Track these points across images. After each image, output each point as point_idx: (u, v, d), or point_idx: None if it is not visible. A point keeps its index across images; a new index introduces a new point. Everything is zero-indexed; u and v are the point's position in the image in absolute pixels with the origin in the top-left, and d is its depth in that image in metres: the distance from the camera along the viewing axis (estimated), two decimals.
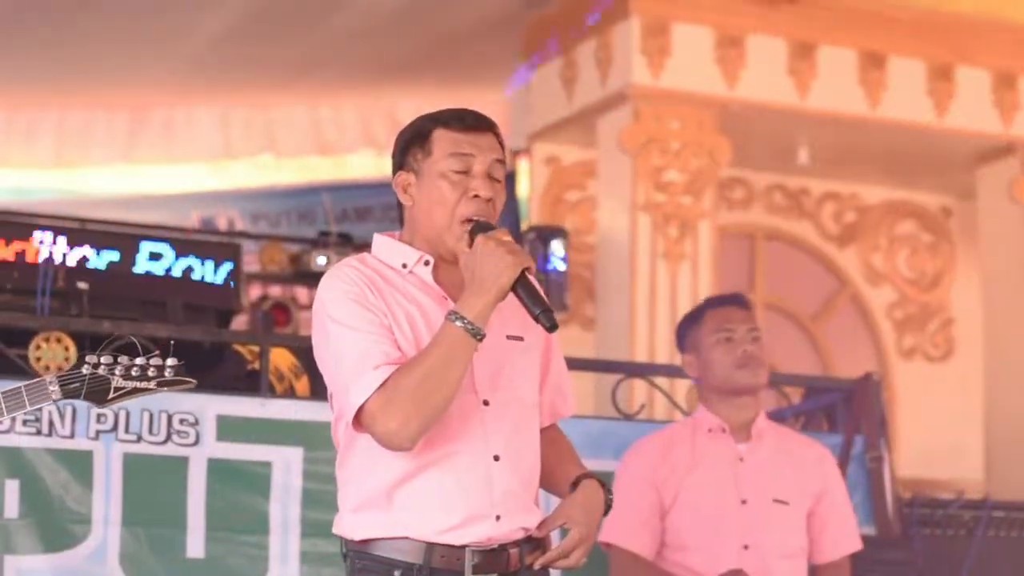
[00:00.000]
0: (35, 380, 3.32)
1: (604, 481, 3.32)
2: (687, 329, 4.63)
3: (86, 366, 3.33)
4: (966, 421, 11.26)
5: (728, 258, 10.50)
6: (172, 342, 3.50)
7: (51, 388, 3.31)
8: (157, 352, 3.39)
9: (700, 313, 4.62)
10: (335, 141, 13.35)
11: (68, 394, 3.32)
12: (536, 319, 3.13)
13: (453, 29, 10.69)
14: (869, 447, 5.32)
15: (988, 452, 10.62)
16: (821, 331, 11.42)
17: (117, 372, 3.33)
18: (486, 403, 3.20)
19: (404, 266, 3.27)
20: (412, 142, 3.30)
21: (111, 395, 3.34)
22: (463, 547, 3.14)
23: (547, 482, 3.35)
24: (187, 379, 3.40)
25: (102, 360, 3.34)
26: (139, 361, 3.37)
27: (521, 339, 3.29)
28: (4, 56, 11.39)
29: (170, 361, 3.39)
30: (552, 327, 3.13)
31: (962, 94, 10.20)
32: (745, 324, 4.53)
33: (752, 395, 4.52)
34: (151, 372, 3.36)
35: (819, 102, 9.89)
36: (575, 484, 3.29)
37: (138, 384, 3.35)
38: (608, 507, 3.30)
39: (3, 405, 3.31)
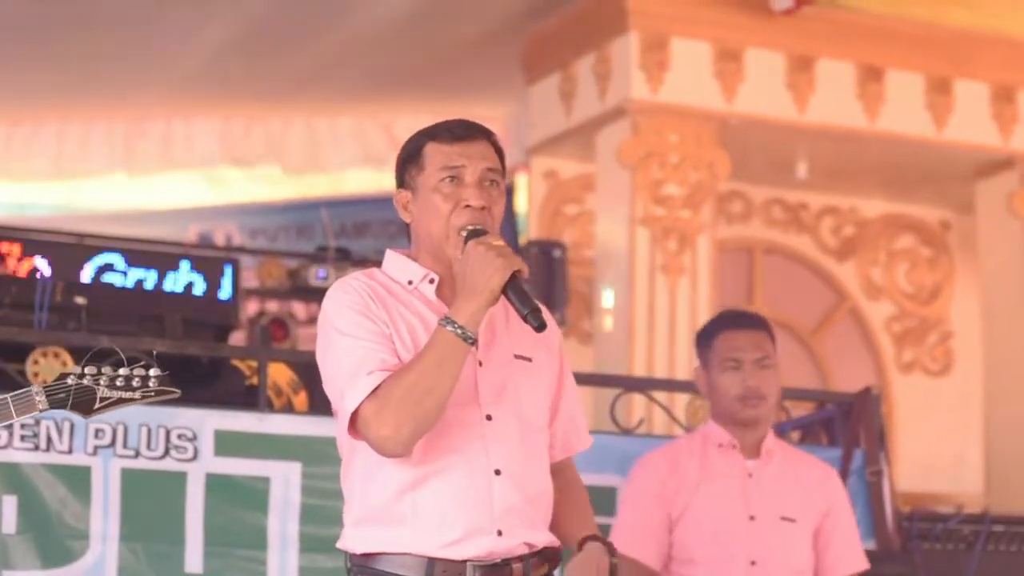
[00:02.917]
0: (22, 391, 3.32)
1: (612, 545, 3.31)
2: (701, 345, 4.60)
3: (72, 376, 3.34)
4: (965, 435, 11.26)
5: (727, 272, 10.50)
6: (156, 355, 3.49)
7: (38, 399, 3.31)
8: (143, 363, 3.39)
9: (712, 334, 4.56)
10: (333, 156, 13.35)
11: (54, 404, 3.32)
12: (524, 319, 3.12)
13: (452, 44, 10.69)
14: (869, 461, 5.31)
15: (988, 466, 10.62)
16: (820, 345, 11.41)
17: (102, 383, 3.34)
18: (489, 417, 3.19)
19: (410, 283, 3.28)
20: (408, 159, 3.31)
21: (97, 405, 3.35)
22: (464, 562, 3.13)
23: (557, 535, 3.33)
24: (171, 389, 3.41)
25: (87, 371, 3.35)
26: (123, 372, 3.37)
27: (529, 360, 3.29)
28: (4, 71, 11.39)
29: (153, 372, 3.39)
30: (540, 327, 3.12)
31: (961, 107, 10.20)
32: (754, 351, 4.48)
33: (755, 424, 4.52)
34: (135, 383, 3.37)
35: (818, 116, 9.90)
36: (581, 545, 3.29)
37: (123, 394, 3.36)
38: (613, 569, 3.29)
39: None
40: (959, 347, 11.71)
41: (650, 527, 4.45)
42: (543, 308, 3.16)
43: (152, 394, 3.39)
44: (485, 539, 3.14)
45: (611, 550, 3.29)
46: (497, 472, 3.17)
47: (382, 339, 3.16)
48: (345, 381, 3.12)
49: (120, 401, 3.36)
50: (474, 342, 3.09)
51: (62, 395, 3.32)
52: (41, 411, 3.33)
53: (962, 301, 11.70)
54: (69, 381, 3.32)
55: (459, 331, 3.06)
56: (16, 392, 3.32)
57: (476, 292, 3.08)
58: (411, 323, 3.21)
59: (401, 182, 3.33)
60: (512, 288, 3.11)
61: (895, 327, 11.63)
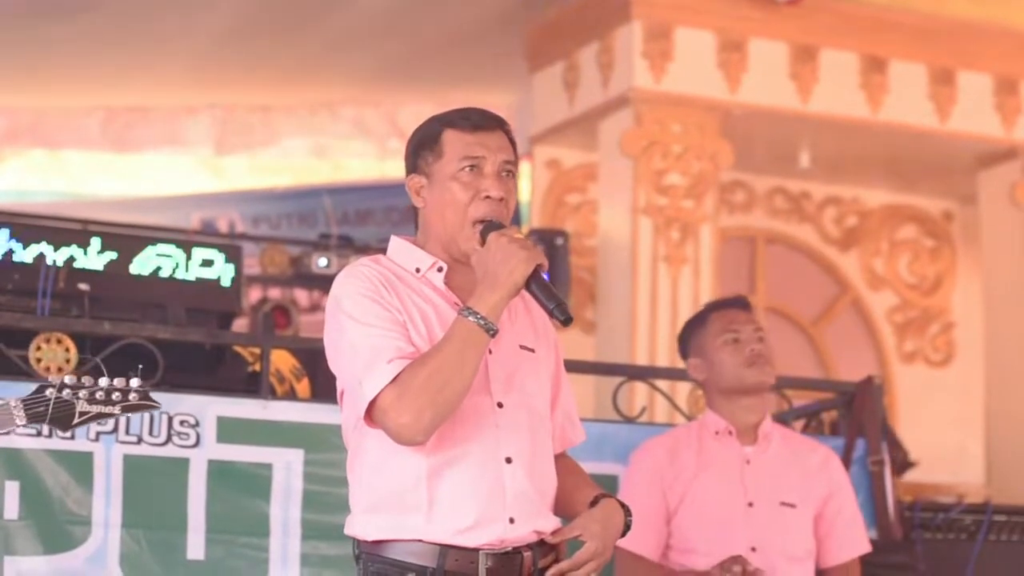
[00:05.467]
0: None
1: (628, 507, 3.32)
2: (691, 333, 4.64)
3: (50, 390, 3.28)
4: (967, 425, 11.26)
5: (729, 261, 10.49)
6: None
7: (16, 413, 3.27)
8: (127, 376, 3.36)
9: (704, 316, 4.63)
10: (335, 143, 13.34)
11: (32, 419, 3.28)
12: (550, 313, 3.15)
13: (454, 32, 10.68)
14: (871, 451, 5.31)
15: (989, 456, 10.62)
16: (822, 335, 11.41)
17: (82, 396, 3.29)
18: (500, 405, 3.20)
19: (417, 270, 3.28)
20: (422, 145, 3.31)
21: (76, 420, 3.30)
22: (476, 550, 3.14)
23: (565, 508, 3.35)
24: (152, 403, 3.35)
25: (67, 383, 3.30)
26: (103, 384, 3.32)
27: (533, 351, 3.30)
28: (4, 58, 11.38)
29: (134, 383, 3.35)
30: (567, 320, 3.14)
31: (964, 98, 10.19)
32: (750, 324, 4.55)
33: (759, 395, 4.53)
34: (115, 396, 3.32)
35: (821, 106, 9.89)
36: (595, 502, 3.29)
37: (103, 408, 3.30)
38: (627, 528, 3.30)
39: None
40: (961, 338, 11.71)
41: (648, 518, 4.45)
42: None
43: (132, 408, 3.35)
44: (497, 526, 3.15)
45: (627, 510, 3.30)
46: (508, 460, 3.18)
47: (396, 326, 3.16)
48: (363, 369, 3.11)
49: (100, 415, 3.31)
50: (495, 333, 3.09)
51: (40, 409, 3.27)
52: (19, 425, 3.29)
53: (964, 292, 11.69)
54: (48, 394, 3.28)
55: (481, 322, 3.07)
56: None
57: (499, 283, 3.09)
58: (424, 311, 3.21)
59: (414, 167, 3.32)
60: (535, 282, 3.12)
61: (897, 317, 11.63)
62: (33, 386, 3.34)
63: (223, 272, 5.78)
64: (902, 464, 6.70)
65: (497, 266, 3.10)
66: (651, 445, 4.63)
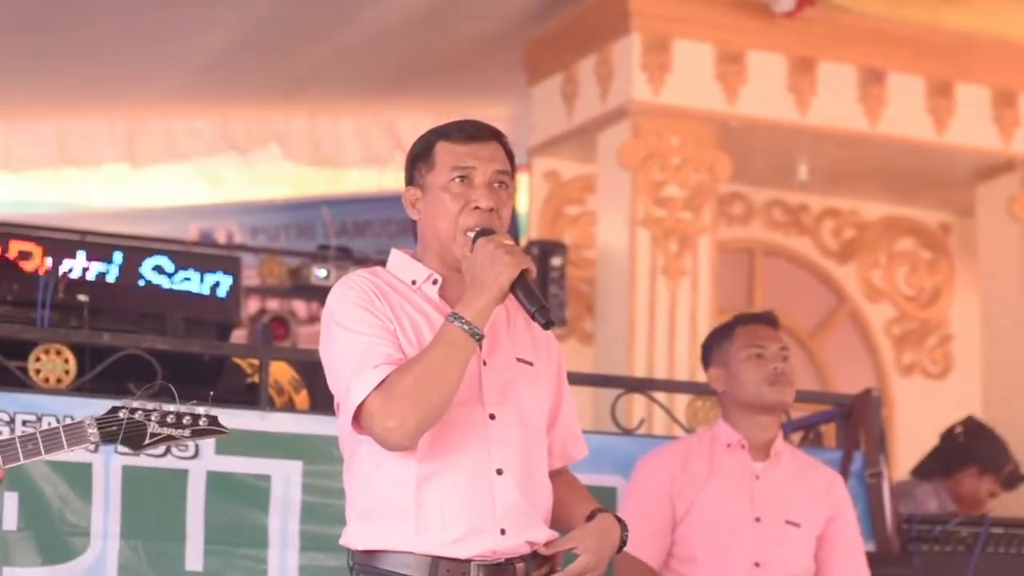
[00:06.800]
0: (74, 422, 3.37)
1: (624, 521, 3.33)
2: (716, 343, 4.64)
3: (123, 411, 3.38)
4: None
5: (727, 273, 10.50)
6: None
7: (90, 431, 3.36)
8: (195, 401, 3.43)
9: (731, 328, 4.62)
10: (334, 155, 13.35)
11: (106, 437, 3.37)
12: (532, 316, 3.16)
13: (453, 45, 10.70)
14: (868, 463, 5.32)
15: None
16: (820, 347, 11.41)
17: (153, 418, 3.38)
18: (492, 417, 3.21)
19: (413, 283, 3.29)
20: (418, 157, 3.33)
21: (146, 441, 3.39)
22: (468, 561, 3.14)
23: (563, 522, 3.35)
24: (221, 429, 3.45)
25: (139, 405, 3.38)
26: (174, 408, 3.41)
27: (531, 364, 3.31)
28: (5, 68, 11.39)
29: (203, 410, 3.43)
30: (548, 324, 3.15)
31: (962, 111, 10.20)
32: (776, 342, 4.56)
33: (776, 413, 4.54)
34: (186, 420, 3.40)
35: (819, 118, 9.90)
36: (591, 516, 3.30)
37: (172, 431, 3.40)
38: (623, 544, 3.30)
39: (41, 445, 3.36)
40: (959, 350, 11.71)
41: (652, 525, 4.45)
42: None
43: (202, 432, 3.43)
44: (488, 538, 3.16)
45: (623, 525, 3.31)
46: (499, 472, 3.18)
47: (386, 334, 3.17)
48: (350, 375, 3.13)
49: (169, 438, 3.40)
50: (481, 338, 3.11)
51: (113, 428, 3.37)
52: (92, 443, 3.37)
53: (962, 304, 11.69)
54: (120, 415, 3.37)
55: (467, 327, 3.08)
56: (68, 423, 3.36)
57: (485, 288, 3.10)
58: (415, 320, 3.23)
59: (410, 179, 3.34)
60: (520, 286, 3.13)
61: (895, 329, 11.63)
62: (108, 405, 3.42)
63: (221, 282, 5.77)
64: (1012, 476, 6.69)
65: (483, 271, 3.12)
66: (662, 452, 4.64)
